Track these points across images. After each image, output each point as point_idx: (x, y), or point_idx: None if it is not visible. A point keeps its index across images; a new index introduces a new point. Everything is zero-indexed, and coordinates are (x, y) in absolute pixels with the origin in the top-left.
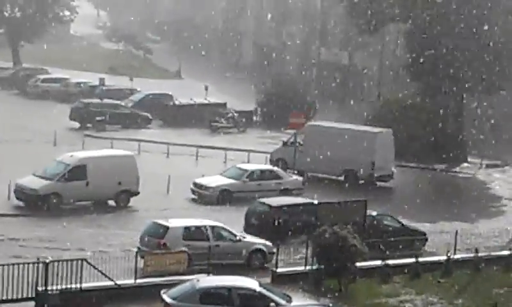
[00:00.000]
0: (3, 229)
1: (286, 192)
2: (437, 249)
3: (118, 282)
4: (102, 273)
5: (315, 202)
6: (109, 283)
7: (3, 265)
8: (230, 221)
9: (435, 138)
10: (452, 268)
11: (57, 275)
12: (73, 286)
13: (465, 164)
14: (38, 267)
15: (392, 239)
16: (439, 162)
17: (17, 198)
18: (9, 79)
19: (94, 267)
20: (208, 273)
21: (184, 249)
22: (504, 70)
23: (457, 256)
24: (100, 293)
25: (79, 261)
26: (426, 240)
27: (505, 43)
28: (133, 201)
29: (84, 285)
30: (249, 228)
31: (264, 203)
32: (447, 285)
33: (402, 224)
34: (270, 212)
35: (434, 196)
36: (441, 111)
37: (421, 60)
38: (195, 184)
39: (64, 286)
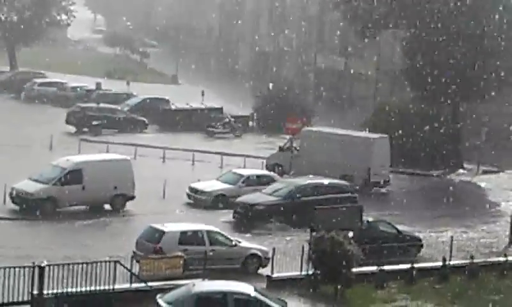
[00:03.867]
0: None
1: None
2: (432, 255)
3: (114, 287)
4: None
5: None
6: (105, 288)
7: None
8: (226, 226)
9: (431, 144)
10: (448, 274)
11: (53, 279)
12: (69, 290)
13: (461, 170)
14: (33, 271)
15: (388, 245)
16: (435, 168)
17: (13, 202)
18: (6, 83)
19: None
20: (203, 278)
21: (179, 253)
22: (501, 76)
23: (452, 262)
24: (95, 297)
25: (75, 265)
26: (421, 246)
27: (503, 50)
28: (129, 205)
29: (79, 289)
30: None
31: None
32: (442, 291)
33: (398, 230)
34: None
35: (430, 202)
36: (437, 117)
37: (418, 66)
38: (191, 189)
39: (59, 290)
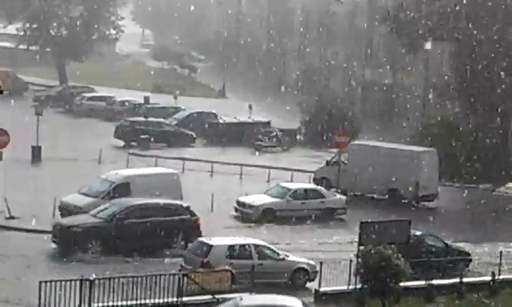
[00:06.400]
0: (48, 246)
1: (329, 211)
2: (481, 269)
3: (162, 300)
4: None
5: None
6: (152, 301)
7: (48, 282)
8: (273, 240)
9: (480, 157)
10: (497, 289)
11: (102, 292)
12: (118, 303)
13: (510, 184)
14: (82, 284)
15: (436, 259)
16: (484, 181)
17: (62, 216)
18: (56, 97)
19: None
20: (251, 292)
21: (227, 267)
22: None
23: (501, 277)
24: None
25: (125, 279)
26: (470, 260)
27: None
28: None
29: (128, 303)
30: None
31: None
32: (492, 306)
33: (446, 244)
34: None
35: (479, 215)
36: (486, 129)
37: (466, 78)
38: (239, 202)
39: (108, 304)
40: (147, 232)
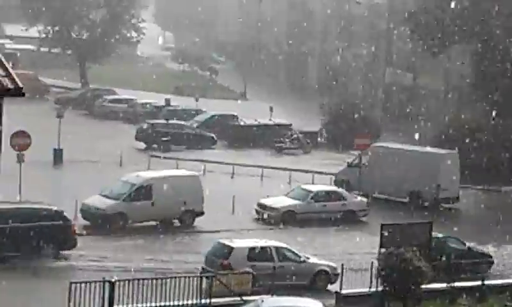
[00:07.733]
0: None
1: (350, 213)
2: (503, 272)
3: (184, 302)
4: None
5: None
6: (175, 303)
7: (70, 283)
8: (294, 242)
9: (502, 159)
10: None
11: (124, 294)
12: (140, 305)
13: None
14: (104, 286)
15: (458, 261)
16: (506, 183)
17: (83, 217)
18: (77, 100)
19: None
20: (272, 294)
21: (248, 269)
22: None
23: None
24: None
25: (144, 281)
26: (492, 262)
27: None
28: (198, 221)
29: (149, 305)
30: None
31: None
32: None
33: (468, 247)
34: None
35: (501, 218)
36: (508, 131)
37: (487, 80)
38: (260, 205)
39: (130, 306)
40: (10, 238)
